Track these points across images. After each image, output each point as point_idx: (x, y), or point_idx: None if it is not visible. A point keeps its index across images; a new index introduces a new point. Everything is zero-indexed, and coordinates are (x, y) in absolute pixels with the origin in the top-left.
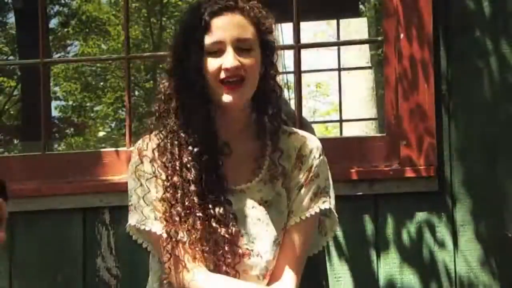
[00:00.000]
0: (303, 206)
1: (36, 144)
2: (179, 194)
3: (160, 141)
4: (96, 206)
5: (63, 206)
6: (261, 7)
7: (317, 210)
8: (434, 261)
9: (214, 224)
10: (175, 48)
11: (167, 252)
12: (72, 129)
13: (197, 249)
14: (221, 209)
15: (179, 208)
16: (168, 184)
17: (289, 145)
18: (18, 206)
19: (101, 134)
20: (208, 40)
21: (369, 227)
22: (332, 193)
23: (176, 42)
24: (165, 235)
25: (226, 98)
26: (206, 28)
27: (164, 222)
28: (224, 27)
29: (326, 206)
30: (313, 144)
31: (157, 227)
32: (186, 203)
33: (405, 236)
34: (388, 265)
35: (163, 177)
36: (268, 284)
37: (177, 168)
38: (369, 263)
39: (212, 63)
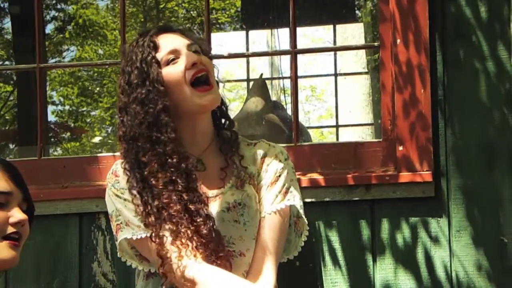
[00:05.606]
0: (268, 203)
1: (32, 149)
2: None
3: (130, 171)
4: (92, 212)
5: (59, 211)
6: (192, 30)
7: (282, 206)
8: (430, 266)
9: (198, 220)
10: (132, 75)
11: (158, 248)
12: (68, 134)
13: (188, 243)
14: (204, 209)
15: (164, 212)
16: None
17: (255, 151)
18: None
19: (97, 139)
20: (161, 54)
21: (365, 232)
22: (297, 194)
23: (132, 70)
24: (149, 234)
25: (204, 100)
26: (156, 46)
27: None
28: (172, 39)
29: (290, 203)
30: (277, 150)
31: (145, 233)
32: (165, 201)
33: (401, 241)
34: (384, 270)
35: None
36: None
37: (154, 193)
38: (365, 268)
39: (172, 70)
